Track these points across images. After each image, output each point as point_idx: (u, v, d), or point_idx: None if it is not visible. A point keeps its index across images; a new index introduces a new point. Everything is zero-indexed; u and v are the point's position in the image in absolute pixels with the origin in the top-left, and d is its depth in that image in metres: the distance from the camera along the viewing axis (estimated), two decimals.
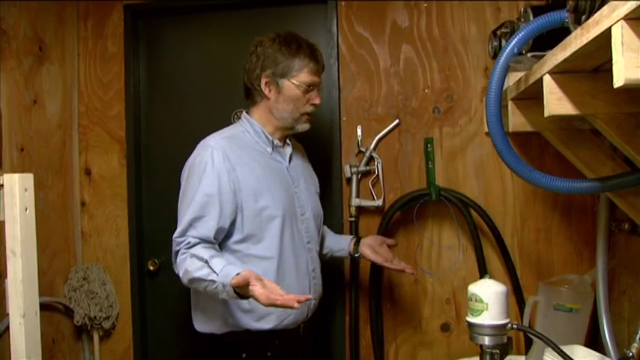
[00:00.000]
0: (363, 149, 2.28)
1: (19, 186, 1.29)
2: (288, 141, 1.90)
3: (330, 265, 2.12)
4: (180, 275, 1.69)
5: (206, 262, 1.61)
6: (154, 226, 2.47)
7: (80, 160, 2.49)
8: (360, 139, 2.29)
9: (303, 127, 1.85)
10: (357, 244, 2.03)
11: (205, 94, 2.45)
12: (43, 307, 2.14)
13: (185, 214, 1.71)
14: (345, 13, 2.32)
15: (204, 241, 1.69)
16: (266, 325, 1.75)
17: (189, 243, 1.68)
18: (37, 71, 2.25)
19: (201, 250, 1.65)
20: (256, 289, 1.50)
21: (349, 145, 2.31)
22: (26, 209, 1.30)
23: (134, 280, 2.44)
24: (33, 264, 1.32)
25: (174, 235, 1.72)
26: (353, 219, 2.26)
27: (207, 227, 1.69)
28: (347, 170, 2.28)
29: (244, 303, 1.70)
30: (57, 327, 2.35)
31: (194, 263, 1.63)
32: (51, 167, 2.32)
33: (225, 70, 2.43)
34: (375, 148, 2.27)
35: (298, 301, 1.47)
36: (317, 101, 1.82)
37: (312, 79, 1.79)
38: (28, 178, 1.32)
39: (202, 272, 1.60)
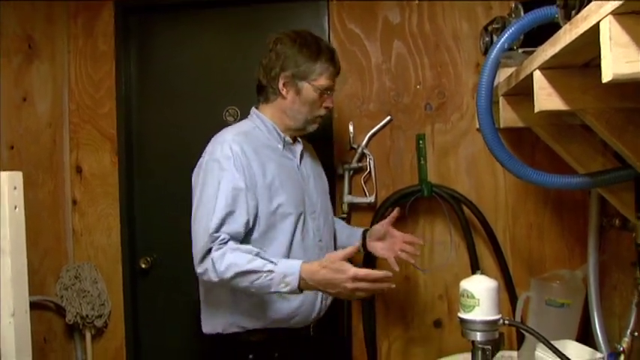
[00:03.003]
0: (354, 146, 2.28)
1: (8, 184, 1.27)
2: (298, 138, 1.88)
3: None
4: (221, 270, 1.58)
5: (257, 254, 1.59)
6: (146, 224, 2.46)
7: (71, 158, 2.48)
8: (351, 135, 2.28)
9: (313, 127, 1.84)
10: (365, 237, 1.97)
11: (197, 91, 2.44)
12: (35, 305, 2.14)
13: (214, 209, 1.62)
14: (337, 10, 2.32)
15: (234, 238, 1.63)
16: (272, 325, 1.72)
17: (223, 239, 1.61)
18: (27, 69, 2.24)
19: (240, 246, 1.62)
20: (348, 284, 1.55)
21: (341, 142, 2.31)
22: (15, 207, 1.29)
23: (126, 279, 2.44)
24: (22, 262, 1.31)
25: (210, 231, 1.61)
26: (345, 215, 2.26)
27: (239, 223, 1.64)
28: (339, 167, 2.27)
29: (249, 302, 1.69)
30: (49, 326, 2.34)
31: (242, 256, 1.58)
32: (41, 165, 2.31)
33: (217, 67, 2.42)
34: (366, 145, 2.27)
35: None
36: (330, 105, 1.82)
37: (330, 83, 1.78)
38: (17, 176, 1.30)
39: (256, 264, 1.56)
